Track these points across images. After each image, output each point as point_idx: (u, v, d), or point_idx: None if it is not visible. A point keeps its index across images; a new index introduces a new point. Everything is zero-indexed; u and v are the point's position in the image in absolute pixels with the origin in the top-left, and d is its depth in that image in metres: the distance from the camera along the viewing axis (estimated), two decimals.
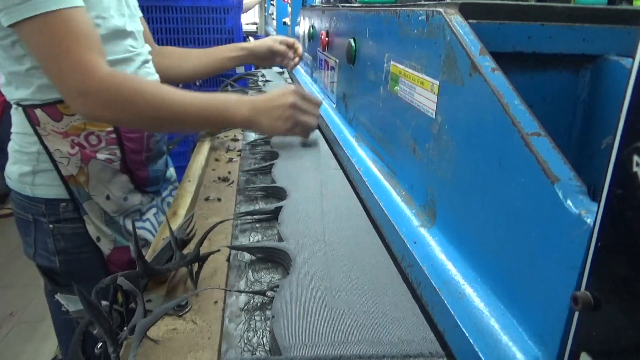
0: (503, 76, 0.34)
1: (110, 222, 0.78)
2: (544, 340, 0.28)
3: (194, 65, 1.01)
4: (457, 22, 0.40)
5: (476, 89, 0.35)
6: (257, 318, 0.40)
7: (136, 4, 0.85)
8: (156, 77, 0.86)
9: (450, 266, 0.38)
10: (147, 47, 0.85)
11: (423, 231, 0.43)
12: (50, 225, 0.75)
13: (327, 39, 0.92)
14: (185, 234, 0.51)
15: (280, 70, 1.57)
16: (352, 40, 0.71)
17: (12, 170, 0.75)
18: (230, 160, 0.81)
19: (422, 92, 0.46)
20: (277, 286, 0.42)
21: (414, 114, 0.48)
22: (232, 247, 0.49)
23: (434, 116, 0.43)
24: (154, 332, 0.38)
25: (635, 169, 0.20)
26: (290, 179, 0.64)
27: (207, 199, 0.65)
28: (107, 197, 0.77)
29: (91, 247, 0.77)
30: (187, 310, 0.41)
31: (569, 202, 0.26)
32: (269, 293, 0.42)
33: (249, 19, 4.70)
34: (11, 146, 0.75)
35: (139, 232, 0.81)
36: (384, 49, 0.57)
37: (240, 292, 0.43)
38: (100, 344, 0.40)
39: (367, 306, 0.38)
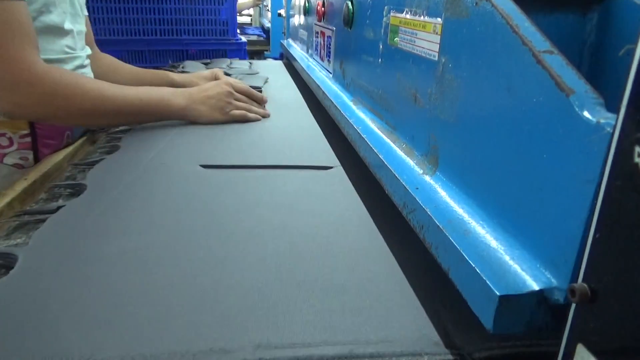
0: (510, 1, 0.32)
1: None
2: (556, 265, 0.26)
3: (123, 81, 0.90)
4: None
5: (483, 17, 0.34)
6: None
7: (83, 2, 0.81)
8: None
9: (455, 207, 0.36)
10: (87, 50, 0.81)
11: (426, 178, 0.42)
12: None
13: (323, 9, 0.90)
14: None
15: (208, 61, 1.53)
16: (349, 2, 0.69)
17: None
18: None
19: (424, 36, 0.44)
20: None
21: (416, 61, 0.46)
22: None
23: (436, 58, 0.41)
24: None
25: (636, 159, 0.19)
26: (105, 176, 0.56)
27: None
28: None
29: None
30: None
31: (585, 112, 0.25)
32: None
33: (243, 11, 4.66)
34: None
35: None
36: (382, 2, 0.55)
37: None
38: None
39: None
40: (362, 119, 0.60)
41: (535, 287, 0.26)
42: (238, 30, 2.83)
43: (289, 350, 0.30)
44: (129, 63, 0.98)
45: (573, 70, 0.27)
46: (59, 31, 0.70)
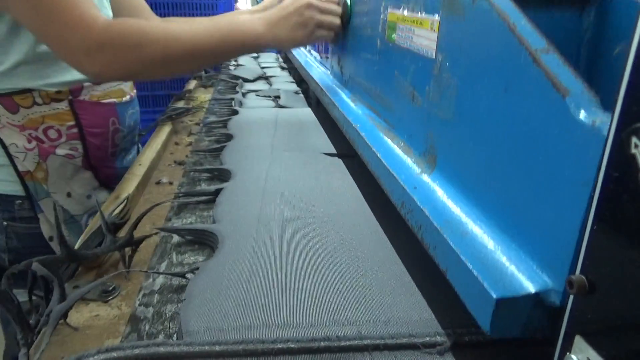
0: None
1: (70, 221, 0.73)
2: (552, 267, 0.26)
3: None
4: None
5: (480, 16, 0.33)
6: (171, 301, 0.37)
7: None
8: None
9: (452, 207, 0.36)
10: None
11: (424, 177, 0.41)
12: (5, 223, 0.70)
13: None
14: (118, 218, 0.48)
15: (255, 55, 1.53)
16: (347, 0, 0.68)
17: None
18: (190, 143, 0.78)
19: (421, 33, 0.44)
20: (197, 268, 0.39)
21: (413, 58, 0.46)
22: (160, 229, 0.46)
23: (434, 56, 0.41)
24: (76, 319, 0.36)
25: (633, 150, 0.19)
26: (238, 161, 0.61)
27: (158, 183, 0.62)
28: (69, 195, 0.72)
29: (44, 248, 0.71)
30: (114, 295, 0.39)
31: (581, 114, 0.24)
32: (188, 275, 0.39)
33: (242, 7, 4.64)
34: None
35: None
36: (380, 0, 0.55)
37: (158, 273, 0.40)
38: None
39: (289, 292, 0.37)
40: (360, 117, 0.60)
41: (532, 289, 0.26)
42: None
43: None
44: None
45: (569, 69, 0.27)
46: None
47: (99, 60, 0.58)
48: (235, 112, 0.90)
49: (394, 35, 0.51)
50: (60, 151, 0.70)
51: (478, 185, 0.34)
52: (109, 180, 0.77)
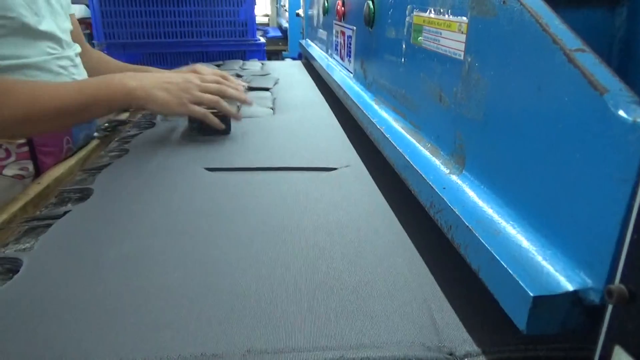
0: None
1: None
2: (591, 265, 0.26)
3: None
4: None
5: (511, 16, 0.33)
6: None
7: (63, 1, 0.76)
8: (84, 76, 0.78)
9: (484, 206, 0.36)
10: (76, 48, 0.77)
11: (453, 177, 0.42)
12: None
13: (343, 8, 0.90)
14: None
15: (220, 62, 1.52)
16: (370, 2, 0.69)
17: None
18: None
19: (448, 35, 0.44)
20: None
21: (440, 60, 0.46)
22: None
23: (462, 57, 0.41)
24: None
25: None
26: (112, 180, 0.56)
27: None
28: None
29: None
30: None
31: (620, 111, 0.24)
32: None
33: (261, 11, 4.69)
34: None
35: None
36: (404, 2, 0.55)
37: None
38: None
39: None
40: (385, 119, 0.60)
41: (570, 287, 0.26)
42: (260, 32, 2.85)
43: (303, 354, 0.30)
44: (150, 65, 0.98)
45: (606, 68, 0.27)
46: (34, 34, 0.66)
47: None
48: (153, 125, 0.81)
49: (420, 38, 0.51)
50: (9, 171, 0.66)
51: (510, 185, 0.34)
52: None
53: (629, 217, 0.23)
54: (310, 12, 1.51)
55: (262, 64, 1.45)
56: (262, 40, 2.14)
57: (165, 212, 0.48)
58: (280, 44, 3.27)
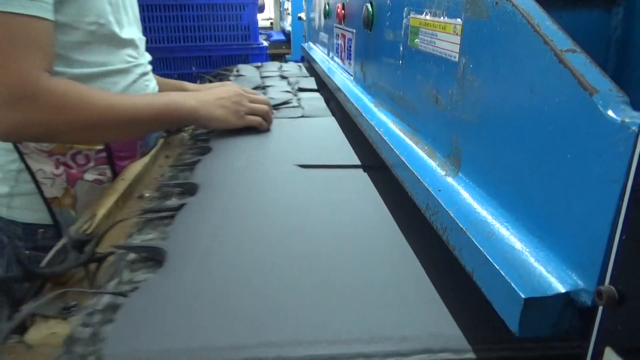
0: (531, 0, 0.32)
1: None
2: (583, 266, 0.26)
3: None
4: None
5: (503, 17, 0.33)
6: (108, 321, 0.36)
7: (136, 10, 0.79)
8: (156, 89, 0.81)
9: (478, 208, 0.36)
10: (148, 57, 0.80)
11: (449, 179, 0.41)
12: (27, 252, 0.69)
13: (343, 11, 0.90)
14: (84, 235, 0.47)
15: (259, 64, 1.54)
16: (368, 5, 0.69)
17: None
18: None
19: (444, 37, 0.44)
20: (137, 287, 0.38)
21: (436, 62, 0.46)
22: (116, 247, 0.45)
23: (457, 59, 0.41)
24: (34, 336, 0.35)
25: None
26: (210, 175, 0.60)
27: (140, 197, 0.61)
28: None
29: None
30: (74, 313, 0.37)
31: (609, 111, 0.24)
32: (130, 294, 0.38)
33: (264, 15, 4.71)
34: None
35: None
36: (402, 4, 0.55)
37: (99, 293, 0.39)
38: None
39: (234, 311, 0.35)
40: (383, 122, 0.60)
41: (562, 289, 0.26)
42: (263, 36, 2.86)
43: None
44: (154, 71, 1.00)
45: (596, 68, 0.27)
46: (119, 42, 0.69)
47: (22, 115, 0.55)
48: None
49: (416, 40, 0.51)
50: (89, 176, 0.69)
51: (504, 187, 0.34)
52: None
53: (618, 218, 0.23)
54: (312, 16, 1.51)
55: (299, 66, 1.47)
56: (265, 44, 2.14)
57: (270, 206, 0.52)
58: (283, 47, 3.27)
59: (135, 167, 0.69)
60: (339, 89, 0.85)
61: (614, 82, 0.26)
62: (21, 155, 0.65)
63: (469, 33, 0.39)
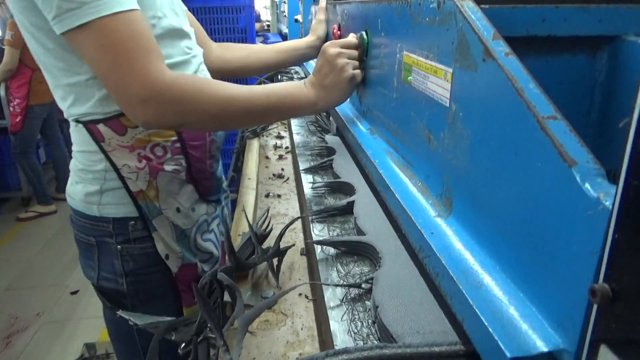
0: (517, 60, 0.34)
1: (181, 237, 0.75)
2: (564, 327, 0.28)
3: (261, 58, 0.97)
4: (468, 7, 0.39)
5: (490, 75, 0.35)
6: (360, 309, 0.42)
7: (181, 2, 0.80)
8: (208, 76, 0.83)
9: (468, 256, 0.37)
10: (200, 49, 0.82)
11: (440, 221, 0.43)
12: (119, 247, 0.72)
13: (339, 32, 0.91)
14: (263, 230, 0.53)
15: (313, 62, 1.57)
16: (364, 33, 0.70)
17: (76, 190, 0.72)
18: (281, 157, 0.82)
19: (435, 80, 0.45)
20: (372, 278, 0.44)
21: (428, 103, 0.47)
22: (317, 242, 0.50)
23: (448, 104, 0.43)
24: (252, 325, 0.41)
25: None
26: (353, 173, 0.66)
27: (267, 196, 0.68)
28: (178, 210, 0.74)
29: (160, 266, 0.74)
30: (273, 304, 0.43)
31: (587, 185, 0.26)
32: (364, 285, 0.44)
33: (261, 17, 4.71)
34: (74, 165, 0.73)
35: (206, 244, 0.79)
36: (396, 40, 0.57)
37: (337, 285, 0.45)
38: (184, 344, 0.41)
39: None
40: (378, 152, 0.61)
41: (544, 348, 0.28)
42: (260, 38, 2.86)
43: None
44: None
45: (576, 137, 0.28)
46: (178, 33, 0.71)
47: (154, 110, 0.59)
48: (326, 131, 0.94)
49: (409, 77, 0.52)
50: (168, 167, 0.72)
51: (492, 236, 0.36)
52: (206, 192, 0.79)
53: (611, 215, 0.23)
54: (310, 18, 1.52)
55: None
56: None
57: None
58: None
59: (251, 166, 0.76)
60: (336, 111, 0.86)
61: (592, 153, 0.27)
62: (106, 154, 0.68)
63: (459, 82, 0.40)
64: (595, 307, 0.24)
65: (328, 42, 0.73)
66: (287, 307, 0.43)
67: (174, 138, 0.72)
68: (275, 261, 0.48)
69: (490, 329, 0.30)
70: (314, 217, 0.57)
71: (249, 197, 0.64)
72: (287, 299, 0.44)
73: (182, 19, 0.74)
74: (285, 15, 3.25)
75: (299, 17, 1.89)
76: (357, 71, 0.71)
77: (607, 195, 0.25)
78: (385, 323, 0.38)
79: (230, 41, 2.04)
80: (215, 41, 2.06)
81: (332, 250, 0.50)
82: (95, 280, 0.75)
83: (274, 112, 0.69)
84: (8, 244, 2.71)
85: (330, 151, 0.76)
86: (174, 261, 0.75)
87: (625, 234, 0.22)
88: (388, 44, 0.60)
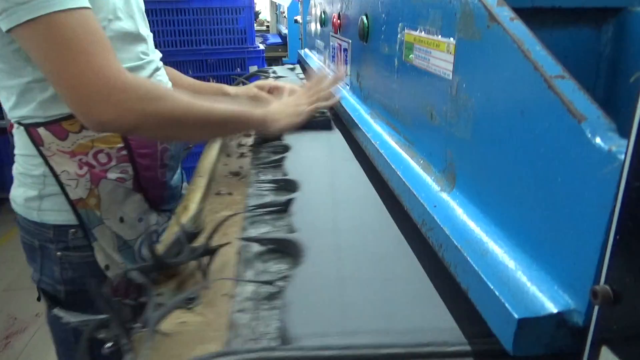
0: (522, 24, 0.33)
1: (124, 247, 0.73)
2: (574, 287, 0.27)
3: (185, 89, 0.93)
4: None
5: (495, 40, 0.34)
6: (265, 308, 0.39)
7: (142, 5, 0.78)
8: (169, 85, 0.81)
9: (472, 226, 0.37)
10: (159, 54, 0.80)
11: (443, 195, 0.42)
12: (59, 253, 0.69)
13: (339, 21, 0.91)
14: (194, 228, 0.50)
15: (292, 66, 1.55)
16: (364, 17, 0.70)
17: (17, 194, 0.70)
18: (242, 155, 0.80)
19: (438, 54, 0.45)
20: (286, 276, 0.42)
21: (430, 79, 0.47)
22: (243, 239, 0.48)
23: (450, 77, 0.42)
24: (165, 325, 0.38)
25: None
26: (302, 171, 0.63)
27: (218, 194, 0.64)
28: (121, 220, 0.72)
29: (99, 277, 0.71)
30: (196, 303, 0.41)
31: (597, 139, 0.25)
32: (278, 283, 0.41)
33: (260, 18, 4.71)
34: (15, 168, 0.70)
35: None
36: (397, 19, 0.56)
37: (248, 282, 0.42)
38: (110, 344, 0.39)
39: (379, 295, 0.38)
40: (379, 134, 0.61)
41: (554, 309, 0.27)
42: (260, 39, 2.87)
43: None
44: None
45: (585, 95, 0.28)
46: (132, 37, 0.69)
47: (113, 110, 0.56)
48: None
49: (411, 56, 0.52)
50: (112, 175, 0.69)
51: (498, 205, 0.35)
52: (158, 201, 0.77)
53: (608, 237, 0.23)
54: (308, 19, 1.52)
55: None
56: (262, 47, 2.15)
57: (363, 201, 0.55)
58: (280, 50, 3.28)
59: (206, 164, 0.73)
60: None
61: (602, 109, 0.27)
62: (45, 159, 0.66)
63: (462, 53, 0.40)
64: (596, 308, 0.24)
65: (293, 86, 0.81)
66: (207, 308, 0.40)
67: (120, 145, 0.69)
68: (207, 260, 0.45)
69: (496, 292, 0.29)
70: (248, 214, 0.55)
71: (194, 195, 0.61)
72: (210, 300, 0.40)
73: (139, 22, 0.71)
74: (285, 16, 3.25)
75: (299, 18, 1.89)
76: (307, 107, 0.76)
77: (618, 147, 0.24)
78: (286, 323, 0.35)
79: (230, 42, 2.04)
80: (215, 42, 2.05)
81: (258, 248, 0.47)
82: (37, 283, 0.72)
83: (228, 126, 0.70)
84: (7, 245, 2.68)
85: (285, 148, 0.74)
86: (115, 272, 0.72)
87: (627, 236, 0.22)
88: (389, 25, 0.60)
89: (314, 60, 1.29)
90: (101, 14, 0.62)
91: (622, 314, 0.22)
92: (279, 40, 3.57)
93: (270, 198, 0.59)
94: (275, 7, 4.46)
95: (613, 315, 0.23)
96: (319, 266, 0.42)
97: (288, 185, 0.61)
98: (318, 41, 1.23)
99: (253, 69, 2.08)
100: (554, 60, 0.30)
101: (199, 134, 0.72)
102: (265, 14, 4.77)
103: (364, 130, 0.63)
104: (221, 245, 0.46)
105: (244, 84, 1.20)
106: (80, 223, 0.69)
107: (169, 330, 0.38)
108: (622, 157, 0.23)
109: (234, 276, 0.44)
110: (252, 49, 2.08)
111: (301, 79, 1.26)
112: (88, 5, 0.56)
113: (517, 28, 0.33)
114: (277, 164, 0.69)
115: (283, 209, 0.55)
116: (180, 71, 0.95)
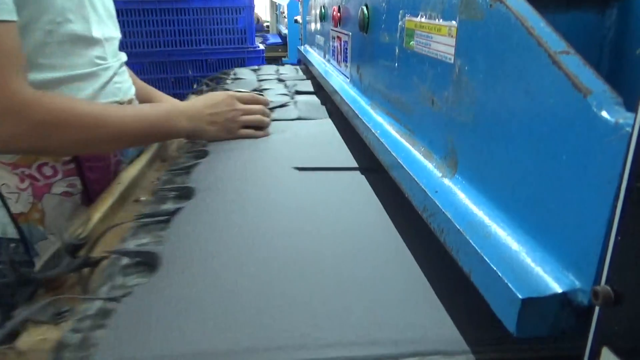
0: (525, 2, 0.32)
1: None
2: (579, 267, 0.26)
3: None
4: None
5: (498, 18, 0.34)
6: (103, 327, 0.35)
7: (111, 6, 0.74)
8: (131, 90, 0.78)
9: (475, 210, 0.36)
10: (122, 57, 0.77)
11: (445, 181, 0.42)
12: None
13: (338, 14, 0.91)
14: (78, 239, 0.46)
15: (256, 67, 1.52)
16: (364, 7, 0.69)
17: None
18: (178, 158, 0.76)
19: (439, 39, 0.44)
20: (130, 292, 0.38)
21: (432, 64, 0.46)
22: (109, 252, 0.44)
23: (452, 61, 0.41)
24: (25, 342, 0.35)
25: None
26: (207, 179, 0.59)
27: (136, 201, 0.60)
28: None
29: None
30: (66, 318, 0.37)
31: (603, 112, 0.24)
32: (123, 299, 0.37)
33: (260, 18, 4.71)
34: None
35: None
36: (397, 7, 0.55)
37: (89, 299, 0.38)
38: None
39: (226, 316, 0.35)
40: (380, 123, 0.60)
41: (559, 289, 0.26)
42: (260, 39, 2.86)
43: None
44: (151, 74, 0.97)
45: (590, 69, 0.27)
46: (84, 41, 0.65)
47: (9, 129, 0.53)
48: None
49: (412, 42, 0.51)
50: (57, 189, 0.66)
51: (500, 188, 0.34)
52: None
53: (613, 218, 0.23)
54: (308, 19, 1.52)
55: (296, 68, 1.46)
56: (262, 47, 2.15)
57: (267, 209, 0.51)
58: (279, 50, 3.28)
59: (131, 171, 0.68)
60: (335, 91, 0.85)
61: (607, 83, 0.26)
62: None
63: (464, 35, 0.39)
64: (597, 309, 0.23)
65: (231, 93, 0.75)
66: (76, 324, 0.35)
67: (67, 158, 0.66)
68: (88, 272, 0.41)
69: (499, 273, 0.28)
70: (133, 224, 0.50)
71: (101, 204, 0.57)
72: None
73: (94, 25, 0.67)
74: (284, 16, 3.25)
75: (299, 18, 1.89)
76: (247, 131, 0.74)
77: (626, 119, 0.23)
78: (100, 347, 0.31)
79: (230, 42, 2.04)
80: (215, 42, 2.04)
81: (126, 261, 0.43)
82: None
83: (147, 138, 0.68)
84: None
85: (202, 154, 0.69)
86: None
87: (628, 236, 0.21)
88: (389, 13, 0.59)
89: (314, 55, 1.29)
90: (47, 15, 0.59)
91: (623, 315, 0.22)
92: (278, 40, 3.57)
93: (168, 206, 0.54)
94: (275, 7, 4.46)
95: (614, 316, 0.22)
96: (167, 283, 0.38)
97: (186, 193, 0.56)
98: (318, 36, 1.23)
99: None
100: (558, 36, 0.29)
101: (114, 147, 0.70)
102: (265, 14, 4.76)
103: (364, 120, 0.63)
104: (103, 258, 0.43)
105: (208, 85, 1.18)
106: (22, 238, 0.65)
107: (28, 347, 0.34)
108: (629, 128, 0.23)
109: (88, 291, 0.40)
110: (252, 49, 2.08)
111: (260, 80, 1.23)
112: (9, 18, 0.53)
113: (520, 6, 0.32)
114: (188, 171, 0.63)
115: (168, 218, 0.50)
116: (181, 71, 0.92)
